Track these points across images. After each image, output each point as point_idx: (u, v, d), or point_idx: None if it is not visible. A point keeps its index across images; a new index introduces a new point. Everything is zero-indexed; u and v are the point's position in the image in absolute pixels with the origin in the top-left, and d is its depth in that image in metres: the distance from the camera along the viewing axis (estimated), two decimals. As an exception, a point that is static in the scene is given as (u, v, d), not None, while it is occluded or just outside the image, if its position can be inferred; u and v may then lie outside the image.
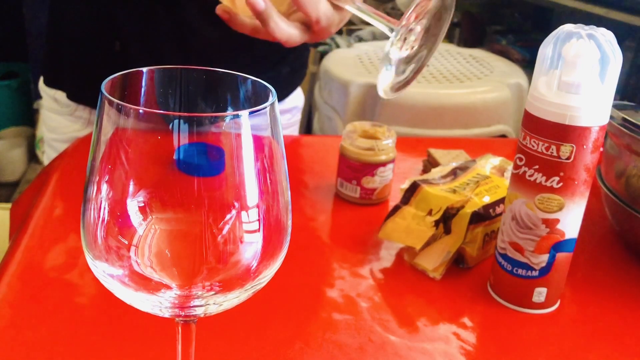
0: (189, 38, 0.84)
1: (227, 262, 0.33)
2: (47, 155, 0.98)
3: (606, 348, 0.53)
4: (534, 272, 0.54)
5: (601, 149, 0.51)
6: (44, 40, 0.95)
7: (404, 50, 0.61)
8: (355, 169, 0.72)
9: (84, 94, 0.90)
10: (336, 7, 0.64)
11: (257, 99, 0.36)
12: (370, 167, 0.71)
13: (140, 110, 0.30)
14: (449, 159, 0.79)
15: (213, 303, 0.34)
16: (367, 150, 0.71)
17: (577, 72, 0.49)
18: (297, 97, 1.04)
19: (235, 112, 0.31)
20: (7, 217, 0.85)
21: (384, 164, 0.72)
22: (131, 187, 0.32)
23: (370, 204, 0.73)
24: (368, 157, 0.71)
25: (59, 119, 0.93)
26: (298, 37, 0.63)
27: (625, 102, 0.67)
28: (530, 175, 0.51)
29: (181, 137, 0.30)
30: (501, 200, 0.63)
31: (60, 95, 0.92)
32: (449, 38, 2.74)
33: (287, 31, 0.61)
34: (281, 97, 0.99)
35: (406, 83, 0.60)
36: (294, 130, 1.06)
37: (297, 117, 1.06)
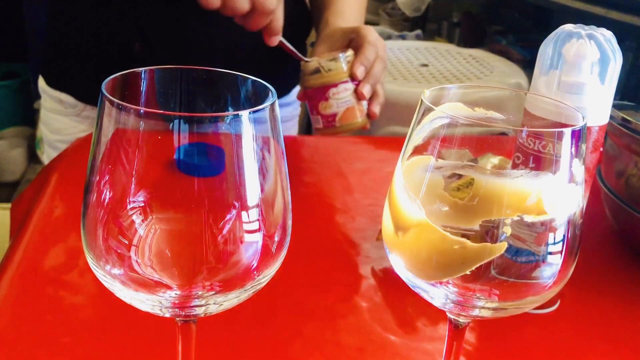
0: (214, 37, 0.84)
1: (227, 262, 0.33)
2: (47, 156, 0.98)
3: (606, 348, 0.53)
4: (534, 272, 0.54)
5: (601, 149, 0.51)
6: (44, 41, 0.94)
7: None
8: (309, 96, 0.69)
9: (92, 95, 0.90)
10: None
11: (257, 98, 0.36)
12: (322, 91, 0.68)
13: (141, 110, 0.30)
14: (455, 157, 0.79)
15: (213, 303, 0.34)
16: (314, 73, 0.68)
17: (577, 72, 0.49)
18: (298, 90, 1.06)
19: (236, 112, 0.32)
20: (7, 217, 0.85)
21: (334, 84, 0.68)
22: (131, 187, 0.32)
23: (338, 133, 0.70)
24: (315, 80, 0.68)
25: (64, 120, 0.93)
26: None
27: (625, 102, 0.67)
28: (530, 175, 0.51)
29: (181, 137, 0.30)
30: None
31: (66, 96, 0.91)
32: (449, 38, 2.74)
33: None
34: (286, 90, 1.01)
35: None
36: (295, 123, 1.10)
37: (298, 109, 1.09)
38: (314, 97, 0.69)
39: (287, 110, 1.03)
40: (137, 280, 0.33)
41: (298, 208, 0.72)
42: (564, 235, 0.35)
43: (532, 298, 0.36)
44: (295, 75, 1.03)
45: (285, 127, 1.02)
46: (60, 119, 0.93)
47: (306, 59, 0.68)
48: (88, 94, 0.90)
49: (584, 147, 0.36)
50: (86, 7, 0.87)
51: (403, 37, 2.41)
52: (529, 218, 0.34)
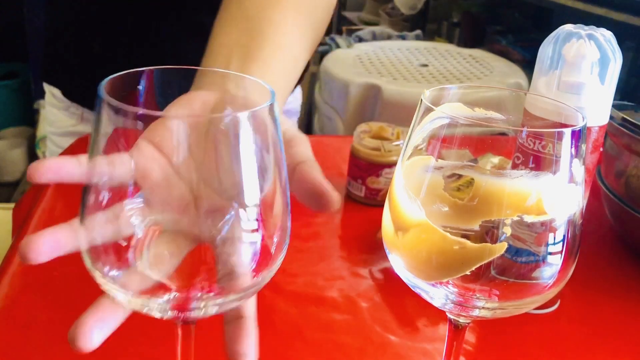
0: (178, 48, 0.84)
1: (227, 264, 0.33)
2: (48, 149, 1.00)
3: (606, 348, 0.53)
4: (534, 272, 0.54)
5: (601, 149, 0.51)
6: (42, 39, 0.96)
7: None
8: (361, 167, 0.72)
9: (78, 94, 0.92)
10: None
11: None
12: (376, 168, 0.72)
13: (139, 111, 0.30)
14: (455, 157, 0.79)
15: (212, 304, 0.34)
16: (374, 150, 0.72)
17: (577, 72, 0.49)
18: (294, 100, 1.03)
19: (235, 112, 0.31)
20: (7, 217, 0.85)
21: (389, 165, 0.72)
22: (130, 188, 0.32)
23: (376, 204, 0.73)
24: (374, 157, 0.72)
25: (57, 113, 0.95)
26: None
27: (625, 102, 0.67)
28: (529, 175, 0.51)
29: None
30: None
31: (57, 90, 0.93)
32: (449, 38, 2.74)
33: None
34: None
35: None
36: None
37: (292, 120, 1.05)
38: (366, 171, 0.72)
39: None
40: (135, 282, 0.33)
41: (298, 208, 0.72)
42: (564, 236, 0.34)
43: (532, 298, 0.36)
44: None
45: None
46: (54, 112, 0.96)
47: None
48: (72, 92, 0.92)
49: (583, 147, 0.36)
50: (74, 12, 0.89)
51: (403, 37, 2.41)
52: (529, 218, 0.34)
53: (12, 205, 0.95)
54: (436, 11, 2.81)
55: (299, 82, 1.03)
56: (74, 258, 0.59)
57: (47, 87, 0.95)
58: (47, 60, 0.96)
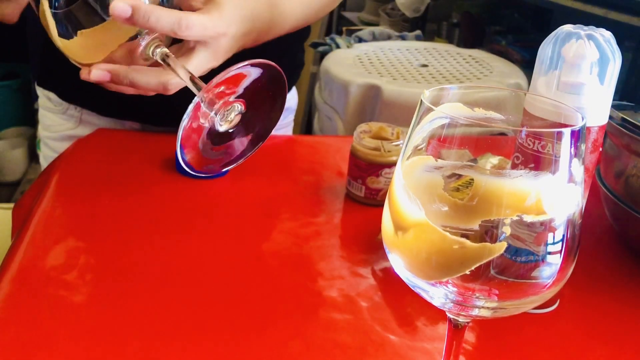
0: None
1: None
2: (42, 153, 0.99)
3: (606, 348, 0.53)
4: (533, 272, 0.54)
5: (600, 149, 0.51)
6: (39, 42, 0.95)
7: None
8: (361, 167, 0.72)
9: (77, 95, 0.91)
10: None
11: None
12: (376, 168, 0.72)
13: None
14: (455, 157, 0.80)
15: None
16: (373, 150, 0.72)
17: (577, 73, 0.49)
18: (291, 98, 1.03)
19: None
20: (7, 217, 0.86)
21: (389, 165, 0.72)
22: None
23: (376, 204, 0.73)
24: (374, 157, 0.72)
25: (52, 117, 0.95)
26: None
27: (625, 102, 0.67)
28: (529, 175, 0.52)
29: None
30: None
31: (53, 95, 0.93)
32: (449, 38, 2.74)
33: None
34: None
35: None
36: (288, 131, 1.05)
37: (289, 118, 1.05)
38: (366, 171, 0.73)
39: None
40: None
41: (298, 208, 0.72)
42: (564, 235, 0.35)
43: (531, 298, 0.36)
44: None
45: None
46: (49, 116, 0.95)
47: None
48: (71, 94, 0.92)
49: (583, 147, 0.36)
50: None
51: (403, 37, 2.41)
52: (528, 218, 0.34)
53: (12, 205, 0.95)
54: (436, 11, 2.81)
55: (295, 80, 1.03)
56: (74, 257, 0.59)
57: (41, 91, 0.94)
58: (44, 62, 0.95)
